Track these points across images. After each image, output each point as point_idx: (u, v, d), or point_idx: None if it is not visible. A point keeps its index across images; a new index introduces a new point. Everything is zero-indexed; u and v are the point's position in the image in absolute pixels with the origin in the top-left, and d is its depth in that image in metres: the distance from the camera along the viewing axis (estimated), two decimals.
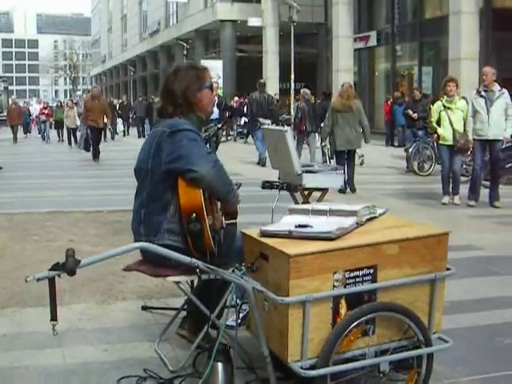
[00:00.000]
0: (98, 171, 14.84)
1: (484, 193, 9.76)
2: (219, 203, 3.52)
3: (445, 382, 3.48)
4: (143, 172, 3.49)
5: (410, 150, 13.69)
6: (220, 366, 3.23)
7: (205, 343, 3.52)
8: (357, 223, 3.13)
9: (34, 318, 4.45)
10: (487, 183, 10.03)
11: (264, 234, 3.07)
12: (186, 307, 3.92)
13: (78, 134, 23.43)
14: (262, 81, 16.53)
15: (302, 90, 14.93)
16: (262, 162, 14.95)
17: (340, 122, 10.47)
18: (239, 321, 3.55)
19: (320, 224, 3.04)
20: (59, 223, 7.86)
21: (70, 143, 24.39)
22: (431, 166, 13.33)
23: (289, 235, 2.98)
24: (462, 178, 10.97)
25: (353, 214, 3.17)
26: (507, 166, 9.92)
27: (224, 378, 3.23)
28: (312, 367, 2.85)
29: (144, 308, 4.60)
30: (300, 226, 3.02)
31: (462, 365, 3.72)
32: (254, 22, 32.80)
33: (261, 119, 15.05)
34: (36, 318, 4.44)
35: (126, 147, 22.06)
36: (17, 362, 3.73)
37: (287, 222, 3.13)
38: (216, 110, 15.55)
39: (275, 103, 16.49)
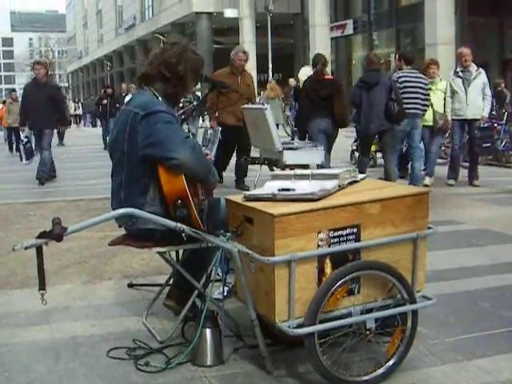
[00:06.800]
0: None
1: (463, 173, 9.90)
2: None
3: (430, 343, 3.54)
4: (119, 153, 3.43)
5: None
6: (208, 331, 3.28)
7: (192, 314, 3.55)
8: (339, 186, 3.18)
9: (20, 299, 4.45)
10: (466, 164, 10.16)
11: (248, 199, 3.10)
12: (171, 281, 3.94)
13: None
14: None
15: None
16: None
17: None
18: (225, 294, 3.60)
19: (303, 187, 3.08)
20: (42, 212, 7.84)
21: (11, 148, 17.77)
22: None
23: (272, 198, 3.01)
24: (440, 160, 11.09)
25: (334, 177, 3.21)
26: (484, 145, 10.02)
27: (213, 343, 3.29)
28: (299, 327, 2.89)
29: (130, 285, 4.62)
30: (283, 189, 3.06)
31: (445, 327, 3.80)
32: (230, 13, 32.77)
33: None
34: (23, 298, 4.45)
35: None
36: (4, 339, 3.72)
37: (270, 186, 3.17)
38: None
39: None
